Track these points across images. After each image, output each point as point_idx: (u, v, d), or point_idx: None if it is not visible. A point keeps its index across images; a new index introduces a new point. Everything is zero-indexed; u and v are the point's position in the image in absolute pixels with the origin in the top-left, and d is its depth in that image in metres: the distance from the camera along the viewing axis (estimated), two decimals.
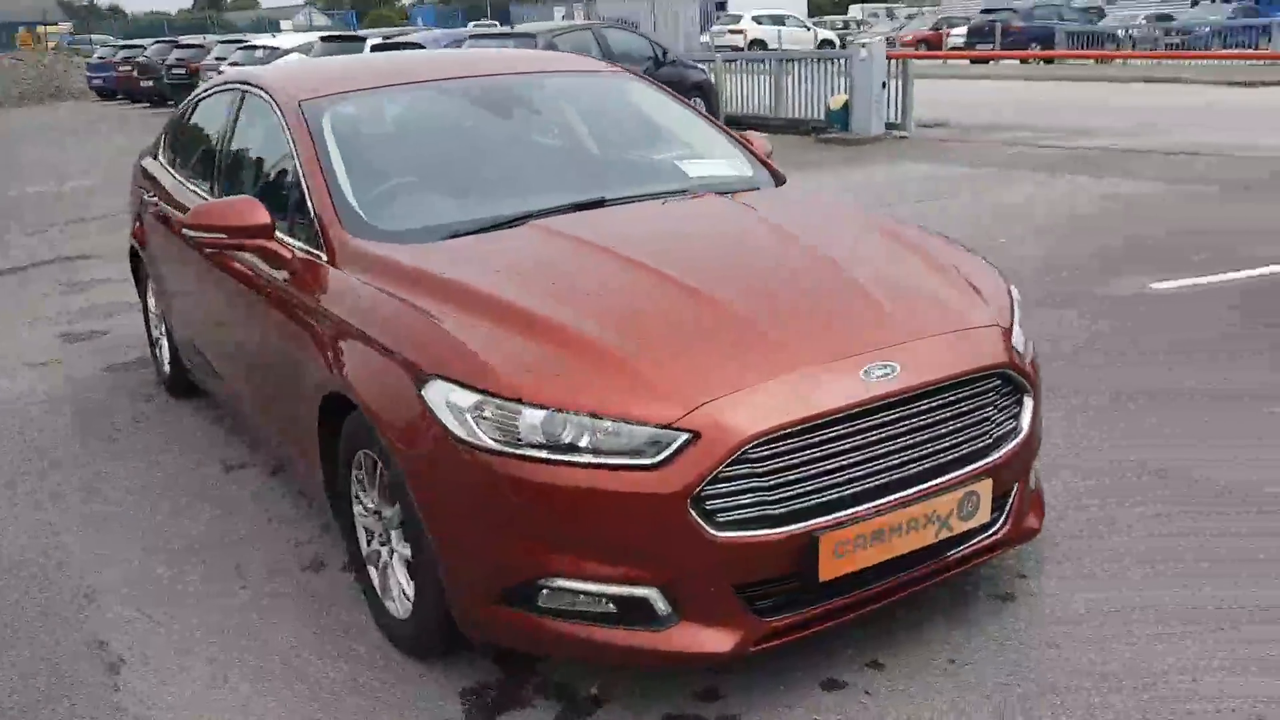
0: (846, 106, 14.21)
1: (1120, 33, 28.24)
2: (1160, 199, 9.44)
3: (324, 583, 3.55)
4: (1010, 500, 2.97)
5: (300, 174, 3.59)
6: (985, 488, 2.78)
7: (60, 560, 3.79)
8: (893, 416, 2.66)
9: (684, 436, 2.49)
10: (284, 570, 3.65)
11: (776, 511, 2.52)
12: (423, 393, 2.70)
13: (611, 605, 2.58)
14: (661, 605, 2.56)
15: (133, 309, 7.11)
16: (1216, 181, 10.09)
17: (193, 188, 4.57)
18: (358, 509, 3.25)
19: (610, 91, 4.41)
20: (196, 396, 5.30)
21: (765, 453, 2.51)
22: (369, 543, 3.24)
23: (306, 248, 3.44)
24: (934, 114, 15.70)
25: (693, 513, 2.48)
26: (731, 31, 34.71)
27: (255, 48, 20.83)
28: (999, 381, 2.88)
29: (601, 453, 2.51)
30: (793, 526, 2.52)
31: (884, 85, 13.95)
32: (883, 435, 2.64)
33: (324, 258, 3.35)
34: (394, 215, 3.48)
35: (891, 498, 2.63)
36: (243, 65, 20.13)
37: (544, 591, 2.61)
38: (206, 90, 4.97)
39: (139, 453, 4.73)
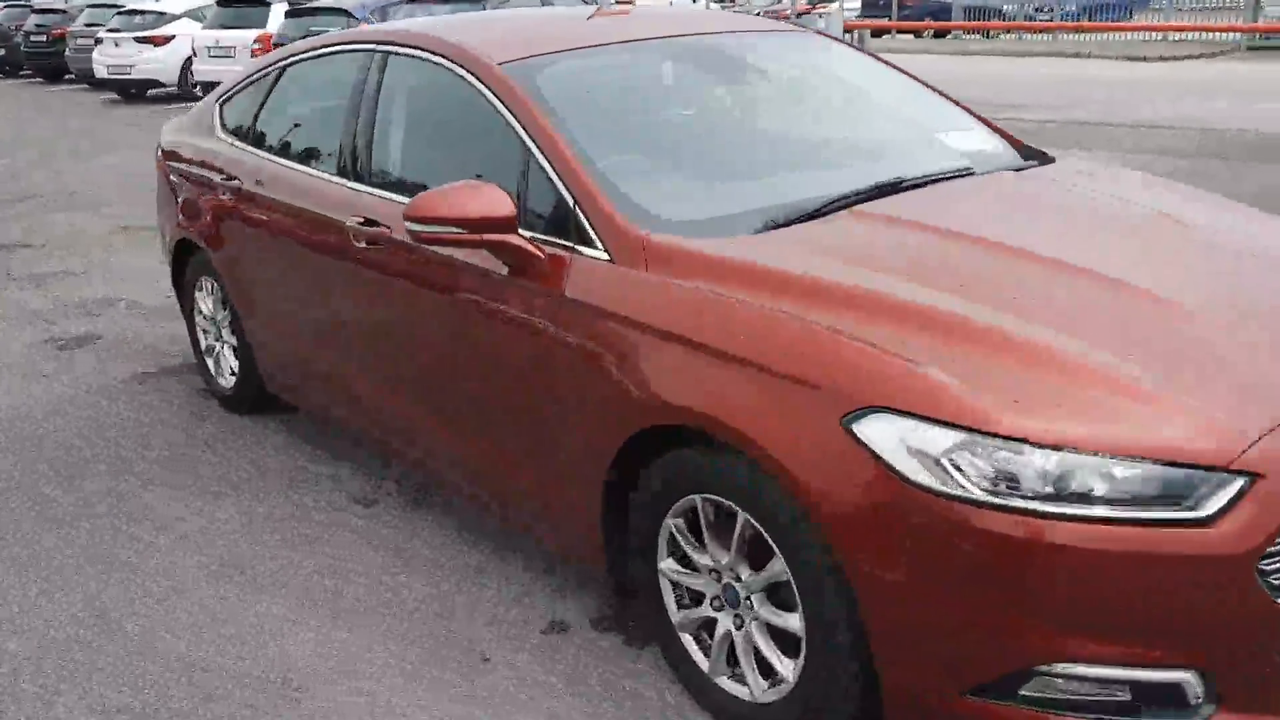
0: None
1: (1007, 7, 28.62)
2: (1188, 171, 9.12)
3: (574, 647, 2.93)
4: None
5: (535, 153, 2.92)
6: None
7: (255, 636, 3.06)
8: None
9: (1240, 481, 1.98)
10: (516, 636, 3.00)
11: None
12: (853, 428, 2.13)
13: (1127, 693, 2.07)
14: (1197, 691, 2.06)
15: (114, 305, 6.30)
16: (1213, 154, 9.98)
17: (312, 172, 3.79)
18: (666, 565, 2.64)
19: (818, 54, 3.83)
20: (267, 413, 4.53)
21: None
22: (684, 604, 2.65)
23: (567, 244, 2.79)
24: None
25: (1259, 578, 1.98)
26: (619, 2, 34.03)
27: (136, 12, 19.09)
28: None
29: (1123, 503, 1.99)
30: None
31: None
32: None
33: (603, 256, 2.70)
34: (676, 202, 2.86)
35: None
36: (123, 32, 18.54)
37: (1034, 679, 2.08)
38: (297, 53, 4.17)
39: (237, 489, 3.94)
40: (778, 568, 2.34)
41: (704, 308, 2.45)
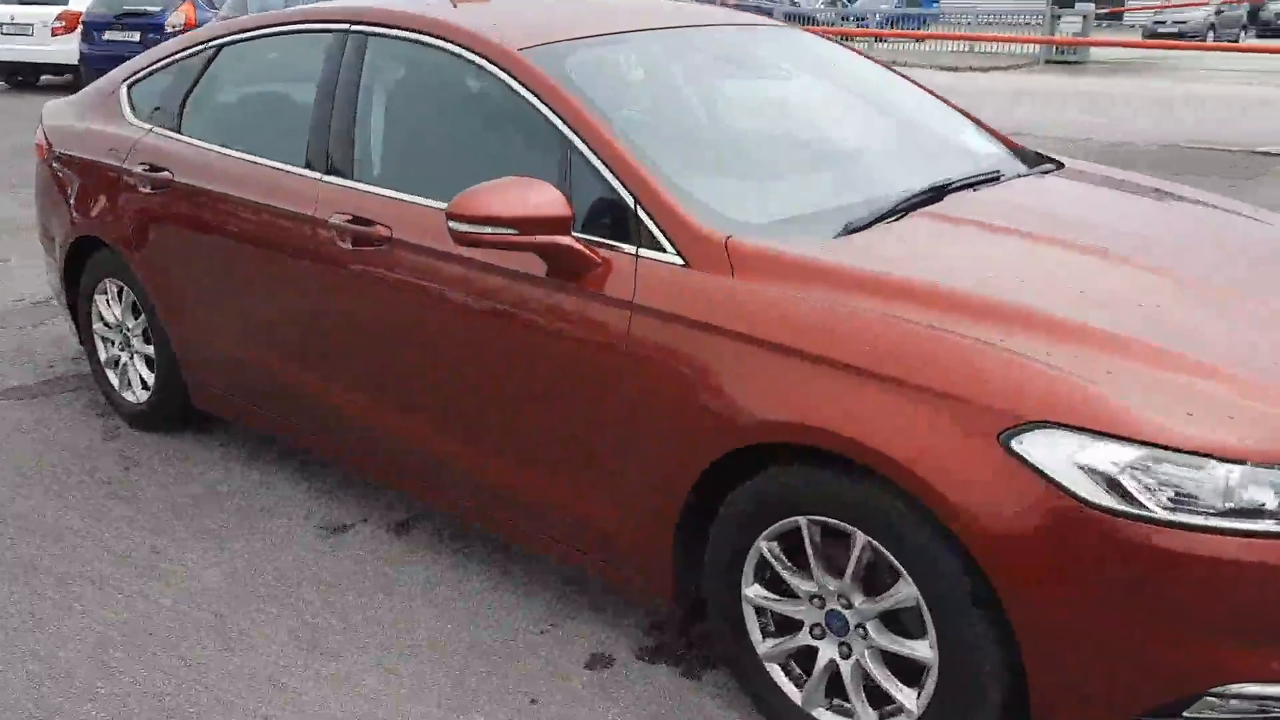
0: None
1: (820, 15, 29.51)
2: None
3: (625, 681, 2.71)
4: None
5: (580, 148, 2.68)
6: None
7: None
8: None
9: None
10: (560, 674, 2.76)
11: None
12: (1013, 445, 2.01)
13: None
14: None
15: None
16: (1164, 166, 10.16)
17: (273, 164, 3.39)
18: (753, 592, 2.46)
19: (821, 49, 3.70)
20: (188, 430, 4.08)
21: None
22: (769, 632, 2.47)
23: (627, 247, 2.57)
24: None
25: None
26: None
27: None
28: None
29: None
30: None
31: None
32: None
33: (676, 261, 2.49)
34: (741, 203, 2.67)
35: None
36: None
37: (1206, 699, 2.01)
38: (235, 31, 3.74)
39: (189, 526, 3.49)
40: (905, 592, 2.20)
41: (820, 318, 2.28)
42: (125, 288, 4.03)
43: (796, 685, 2.46)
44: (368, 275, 3.06)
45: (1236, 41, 30.06)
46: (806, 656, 2.45)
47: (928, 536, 2.12)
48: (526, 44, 2.92)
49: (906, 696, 2.27)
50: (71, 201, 4.13)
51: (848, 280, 2.34)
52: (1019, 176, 3.18)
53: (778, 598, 2.44)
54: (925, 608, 2.17)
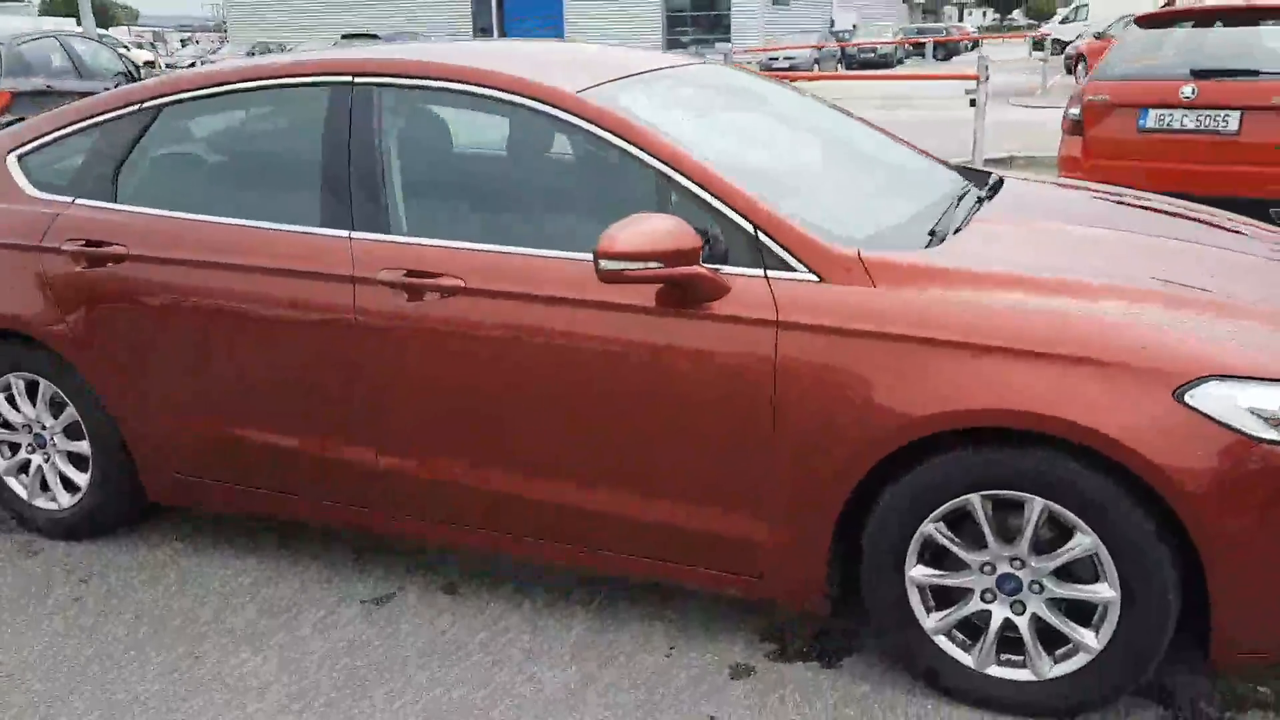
0: None
1: None
2: None
3: (778, 686, 2.84)
4: None
5: (682, 182, 2.80)
6: None
7: None
8: None
9: None
10: (711, 692, 2.84)
11: None
12: (1186, 399, 2.38)
13: None
14: None
15: None
16: None
17: (281, 228, 3.20)
18: (917, 573, 2.68)
19: (762, 84, 3.97)
20: (116, 531, 3.72)
21: None
22: (930, 608, 2.71)
23: (752, 270, 2.72)
24: None
25: None
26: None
27: None
28: None
29: None
30: None
31: None
32: None
33: (809, 277, 2.68)
34: (834, 221, 2.87)
35: None
36: None
37: None
38: (178, 91, 3.45)
39: (221, 630, 3.20)
40: (1083, 544, 2.50)
41: (980, 314, 2.54)
42: (41, 381, 3.59)
43: (964, 650, 2.71)
44: (435, 328, 2.97)
45: (835, 72, 34.18)
46: (969, 623, 2.70)
47: (1109, 491, 2.44)
48: (576, 86, 2.99)
49: (1086, 636, 2.58)
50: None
51: (983, 280, 2.63)
52: (1003, 184, 3.62)
53: (943, 573, 2.68)
54: (1106, 553, 2.49)
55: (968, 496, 2.57)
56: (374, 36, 31.49)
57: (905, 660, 2.79)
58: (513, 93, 3.01)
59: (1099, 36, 27.37)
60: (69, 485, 3.71)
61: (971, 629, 2.71)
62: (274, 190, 3.29)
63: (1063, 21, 48.25)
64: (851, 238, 2.76)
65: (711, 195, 2.77)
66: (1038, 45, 41.63)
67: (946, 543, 2.64)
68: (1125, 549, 2.47)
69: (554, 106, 2.96)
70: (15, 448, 3.76)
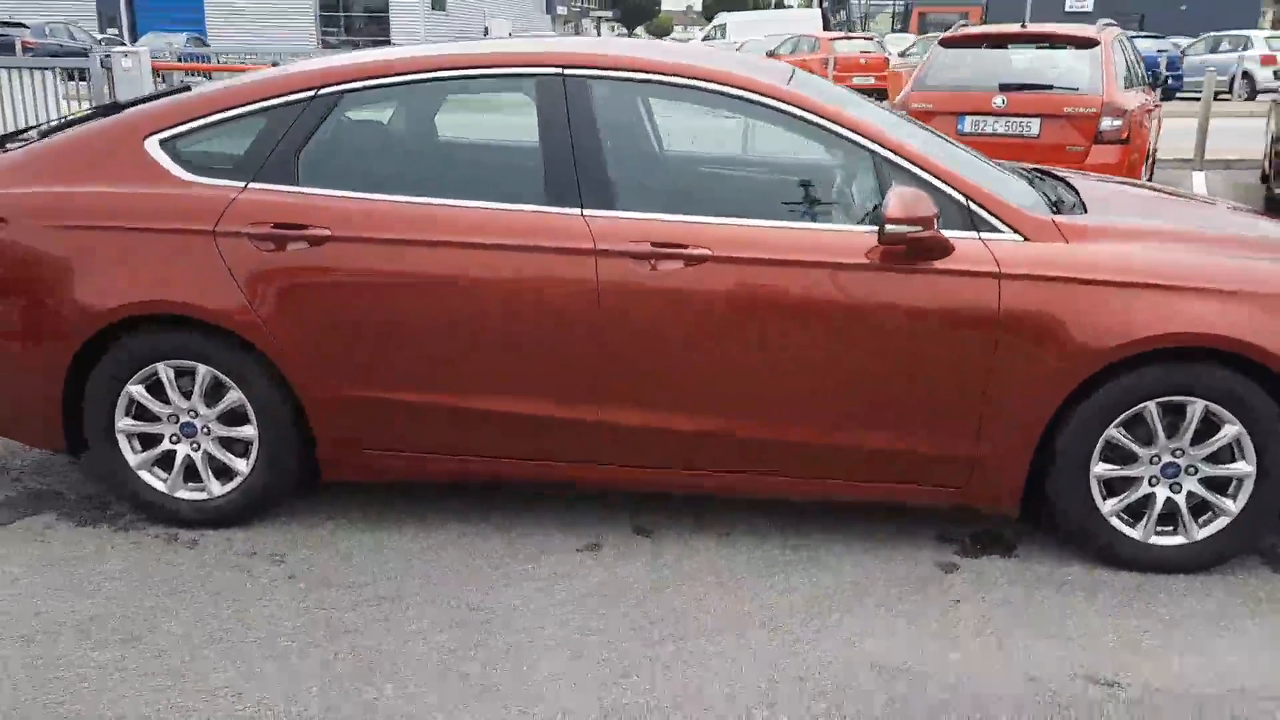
0: None
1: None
2: None
3: (984, 576, 3.48)
4: None
5: (897, 161, 3.38)
6: None
7: None
8: None
9: None
10: (931, 578, 3.43)
11: None
12: None
13: None
14: None
15: None
16: None
17: (505, 207, 3.43)
18: (1099, 470, 3.39)
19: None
20: (266, 513, 3.76)
21: None
22: (1113, 496, 3.44)
23: (966, 233, 3.34)
24: None
25: None
26: None
27: None
28: None
29: None
30: None
31: None
32: None
33: (1015, 238, 3.33)
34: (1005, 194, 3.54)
35: None
36: None
37: None
38: (358, 78, 3.54)
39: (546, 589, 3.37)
40: (1230, 432, 3.32)
41: (1164, 261, 3.30)
42: (201, 367, 3.56)
43: (1130, 527, 3.46)
44: (678, 292, 3.35)
45: None
46: (1132, 506, 3.45)
47: (1253, 390, 3.28)
48: (785, 80, 3.48)
49: (1227, 504, 3.41)
50: (101, 280, 3.51)
51: (1140, 234, 3.41)
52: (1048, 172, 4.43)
53: (1118, 466, 3.42)
54: (1247, 437, 3.32)
55: (1145, 404, 3.33)
56: (22, 25, 28.67)
57: (1083, 541, 3.50)
58: (739, 88, 3.45)
59: (770, 54, 30.04)
60: (219, 473, 3.68)
61: (1133, 511, 3.47)
62: (483, 172, 3.52)
63: (706, 39, 51.95)
64: (1026, 205, 3.45)
65: (928, 173, 3.36)
66: None
67: (1126, 442, 3.38)
68: (1261, 432, 3.31)
69: (756, 95, 3.43)
70: (150, 440, 3.67)
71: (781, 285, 3.34)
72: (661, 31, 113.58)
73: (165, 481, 3.69)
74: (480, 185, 3.50)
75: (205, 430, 3.64)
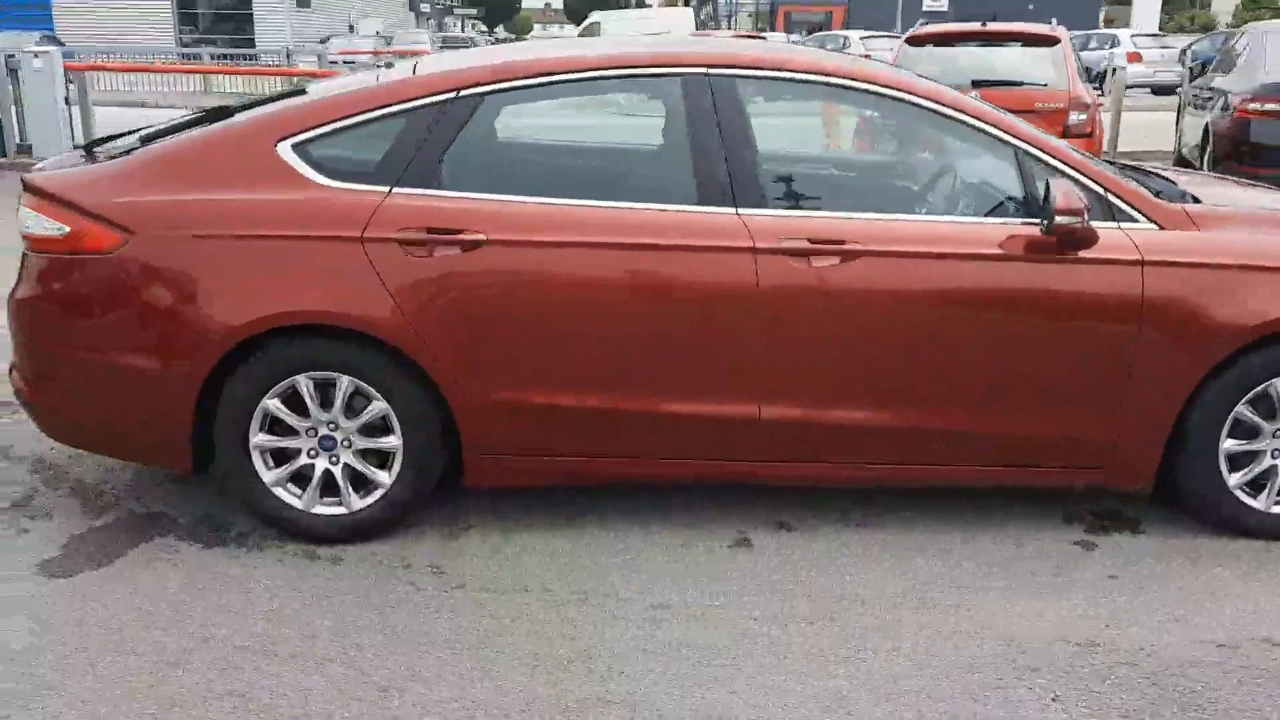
0: None
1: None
2: None
3: (1102, 550, 3.65)
4: None
5: (1040, 156, 3.52)
6: None
7: None
8: None
9: None
10: (1066, 539, 3.59)
11: None
12: None
13: None
14: None
15: None
16: None
17: (657, 207, 3.44)
18: (1227, 446, 3.59)
19: None
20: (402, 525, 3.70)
21: None
22: (1235, 471, 3.64)
23: (1110, 224, 3.49)
24: None
25: None
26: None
27: None
28: None
29: None
30: None
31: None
32: None
33: (1150, 227, 3.50)
34: None
35: None
36: None
37: None
38: (496, 82, 3.50)
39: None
40: None
41: (1271, 243, 3.52)
42: (343, 379, 3.46)
43: (1251, 498, 3.67)
44: (835, 286, 3.41)
45: None
46: (1257, 479, 3.66)
47: None
48: (925, 79, 3.59)
49: None
50: (242, 291, 3.39)
51: (1255, 220, 3.64)
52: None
53: (1244, 441, 3.62)
54: None
55: (1274, 380, 3.54)
56: None
57: (1211, 515, 3.69)
58: (889, 88, 3.54)
59: None
60: (358, 485, 3.59)
61: (1255, 485, 3.68)
62: (627, 173, 3.52)
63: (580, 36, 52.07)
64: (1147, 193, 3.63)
65: (1069, 166, 3.51)
66: None
67: (1252, 418, 3.58)
68: None
69: (916, 96, 3.53)
70: (285, 456, 3.56)
71: (935, 277, 3.44)
72: (521, 30, 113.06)
73: (300, 497, 3.58)
74: (626, 186, 3.52)
75: (345, 443, 3.55)
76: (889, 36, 26.69)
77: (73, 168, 3.63)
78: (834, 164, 3.77)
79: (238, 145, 3.51)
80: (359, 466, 3.57)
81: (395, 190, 3.45)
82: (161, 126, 3.71)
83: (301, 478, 3.58)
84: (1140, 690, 2.87)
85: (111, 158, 3.64)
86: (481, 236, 3.39)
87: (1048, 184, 3.35)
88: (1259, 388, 3.55)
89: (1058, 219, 3.30)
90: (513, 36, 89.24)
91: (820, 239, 3.42)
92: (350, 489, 3.58)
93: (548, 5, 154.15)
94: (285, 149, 3.48)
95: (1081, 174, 3.51)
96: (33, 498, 3.91)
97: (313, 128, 3.50)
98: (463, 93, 3.52)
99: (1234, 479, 3.65)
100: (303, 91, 3.75)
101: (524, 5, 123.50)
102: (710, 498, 3.91)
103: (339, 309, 3.39)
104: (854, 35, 27.36)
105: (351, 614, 3.20)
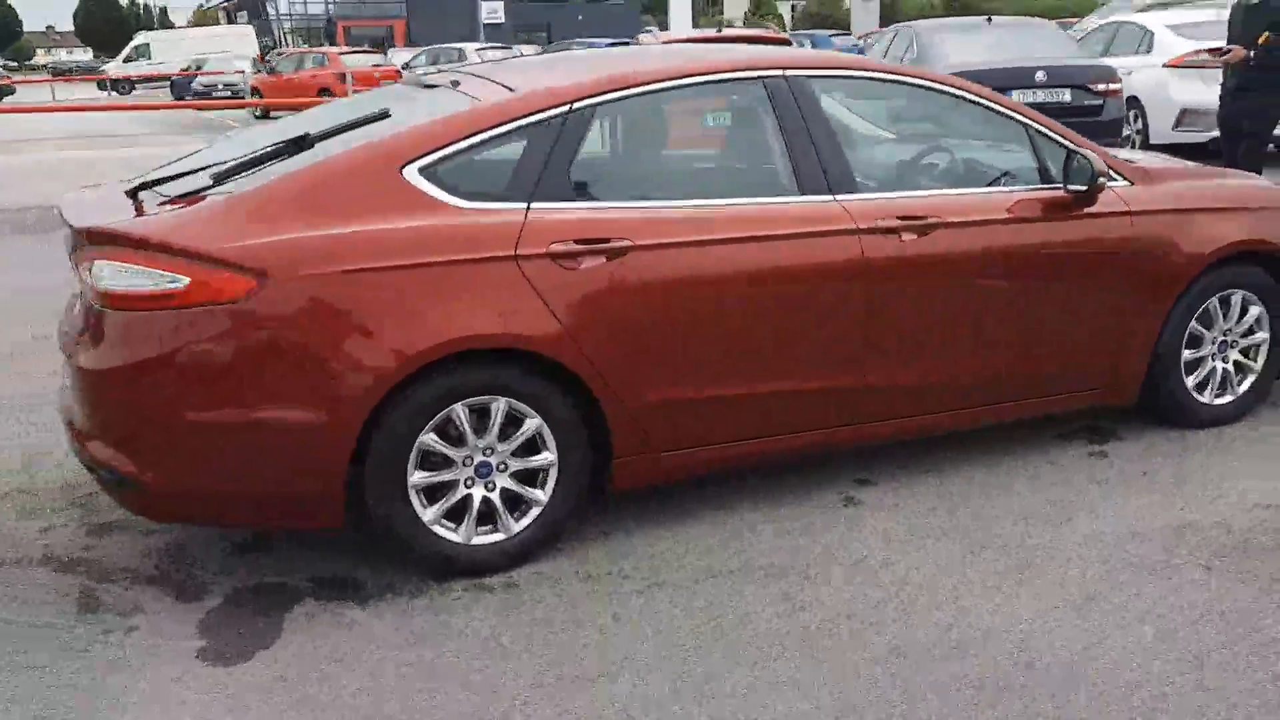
0: None
1: None
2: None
3: (1115, 461, 4.40)
4: None
5: (1045, 132, 4.17)
6: None
7: None
8: None
9: None
10: (1083, 452, 4.29)
11: None
12: None
13: None
14: None
15: None
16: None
17: (766, 201, 3.71)
18: (1188, 355, 4.45)
19: None
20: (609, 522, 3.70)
21: None
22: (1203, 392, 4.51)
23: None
24: None
25: None
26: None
27: None
28: None
29: None
30: None
31: None
32: None
33: (1126, 184, 4.27)
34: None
35: None
36: None
37: None
38: (599, 95, 3.56)
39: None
40: (1255, 313, 4.53)
41: (1208, 189, 4.41)
42: (501, 400, 3.41)
43: (1201, 395, 4.55)
44: (923, 257, 3.86)
45: None
46: (1205, 379, 4.55)
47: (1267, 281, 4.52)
48: (955, 74, 4.12)
49: (1254, 365, 4.62)
50: (399, 325, 3.24)
51: (1185, 174, 4.51)
52: None
53: (1195, 350, 4.48)
54: (1266, 317, 4.56)
55: (1209, 299, 4.43)
56: None
57: (1177, 412, 4.52)
58: (940, 84, 4.04)
59: (271, 72, 28.99)
60: (512, 507, 3.53)
61: (1202, 386, 4.55)
62: (732, 171, 3.74)
63: (126, 60, 48.07)
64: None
65: (1069, 141, 4.17)
66: (102, 85, 40.87)
67: (1200, 328, 4.45)
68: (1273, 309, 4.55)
69: (955, 88, 4.05)
70: (439, 491, 3.43)
71: (997, 241, 3.99)
72: (23, 55, 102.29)
73: (456, 531, 3.46)
74: (736, 183, 3.74)
75: (501, 466, 3.48)
76: (503, 47, 28.23)
77: (171, 212, 3.25)
78: (896, 148, 4.23)
79: (362, 173, 3.32)
80: (515, 488, 3.51)
81: (533, 206, 3.43)
82: (233, 162, 3.39)
83: (454, 511, 3.46)
84: (1256, 555, 3.55)
85: (188, 198, 3.30)
86: (627, 243, 3.47)
87: (1077, 153, 3.99)
88: (1202, 306, 4.42)
89: (1100, 179, 3.95)
90: (15, 65, 78.61)
91: (908, 215, 3.84)
92: (506, 513, 3.51)
93: (50, 28, 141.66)
94: (412, 173, 3.35)
95: (1076, 145, 4.19)
96: (97, 598, 3.42)
97: (436, 149, 3.39)
98: (575, 105, 3.56)
99: (1190, 380, 4.51)
100: (387, 114, 3.59)
101: (24, 29, 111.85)
102: (792, 468, 4.20)
103: (507, 331, 3.34)
104: (470, 48, 27.97)
105: (584, 631, 3.18)
